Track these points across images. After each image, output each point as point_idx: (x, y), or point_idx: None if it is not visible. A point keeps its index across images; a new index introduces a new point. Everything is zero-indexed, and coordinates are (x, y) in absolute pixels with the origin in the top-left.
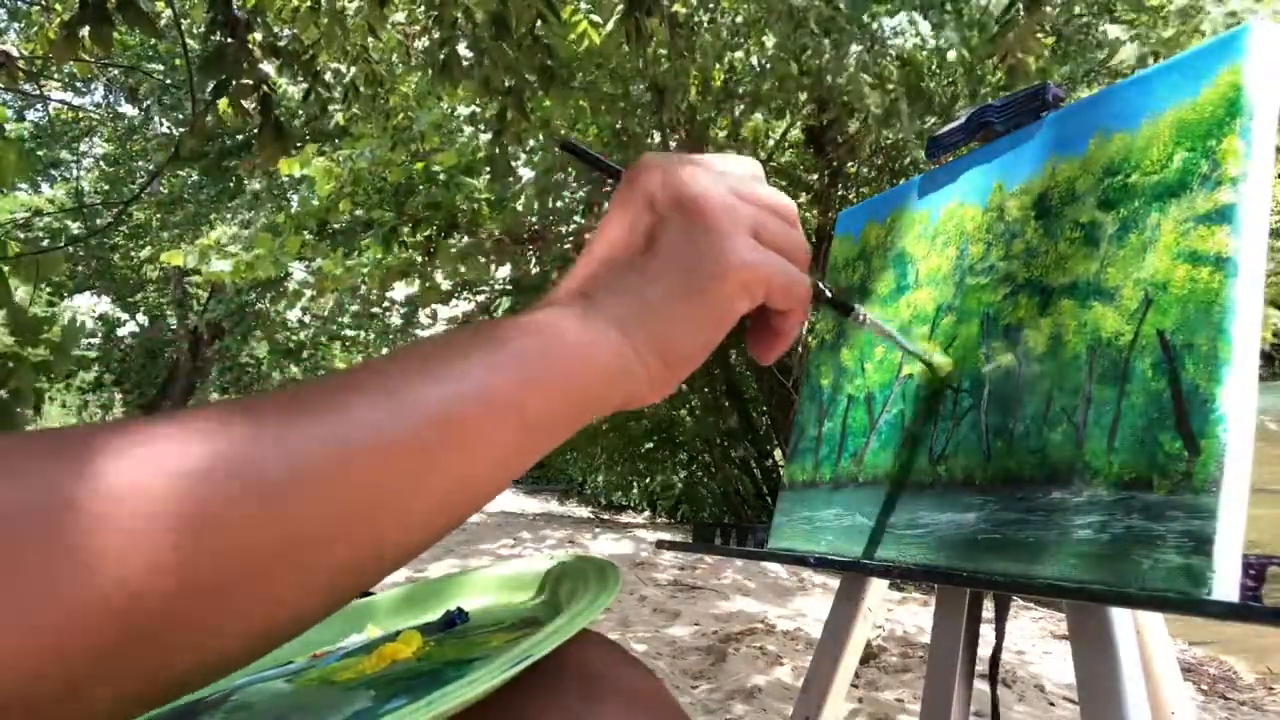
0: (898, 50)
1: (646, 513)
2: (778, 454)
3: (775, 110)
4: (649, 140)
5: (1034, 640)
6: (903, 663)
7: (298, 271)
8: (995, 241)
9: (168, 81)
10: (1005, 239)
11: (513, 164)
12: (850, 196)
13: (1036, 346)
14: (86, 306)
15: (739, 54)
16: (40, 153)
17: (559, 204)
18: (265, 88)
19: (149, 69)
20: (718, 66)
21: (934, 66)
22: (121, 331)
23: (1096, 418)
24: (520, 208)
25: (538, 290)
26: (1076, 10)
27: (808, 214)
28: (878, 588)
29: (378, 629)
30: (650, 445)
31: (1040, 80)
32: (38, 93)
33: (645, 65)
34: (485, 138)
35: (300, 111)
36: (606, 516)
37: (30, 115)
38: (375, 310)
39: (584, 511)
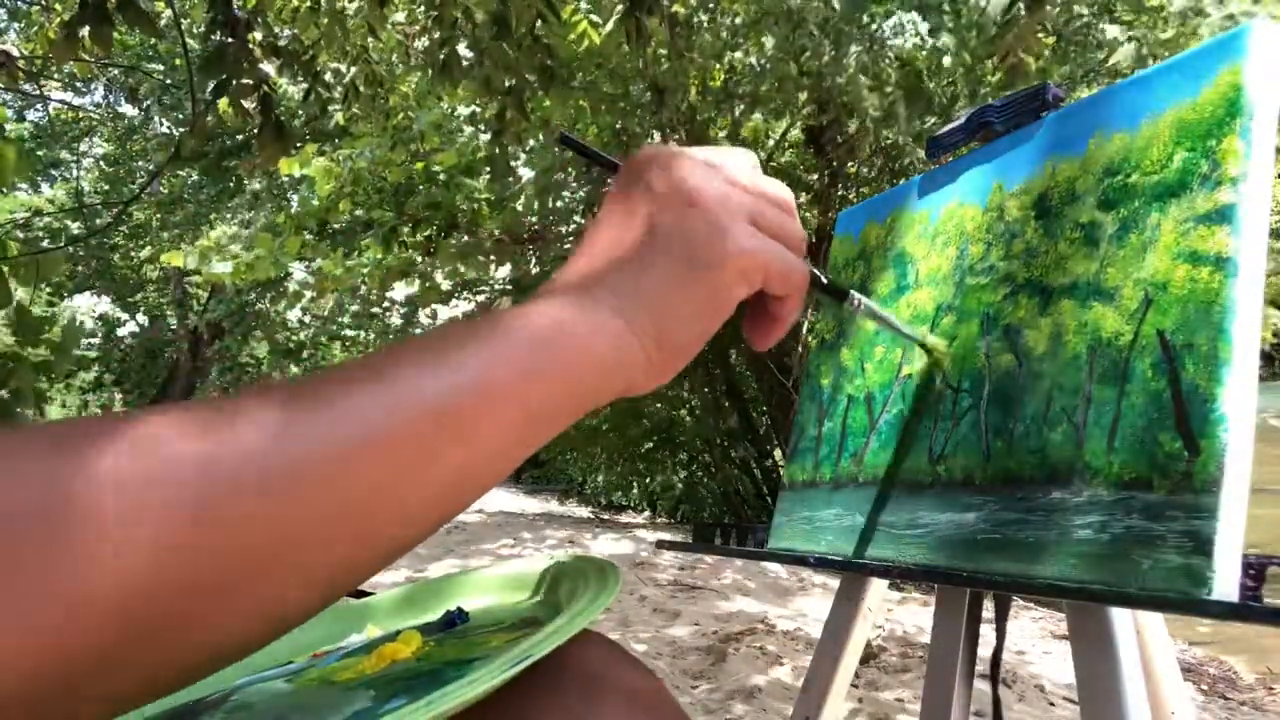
0: (897, 51)
1: (646, 513)
2: (778, 454)
3: (774, 111)
4: (649, 140)
5: (1034, 640)
6: (903, 663)
7: (298, 271)
8: (995, 241)
9: (168, 81)
10: (1005, 239)
11: (513, 164)
12: (850, 196)
13: (1036, 346)
14: (86, 306)
15: (738, 54)
16: (40, 153)
17: (559, 204)
18: (265, 88)
19: (149, 69)
20: (717, 67)
21: (932, 67)
22: (121, 331)
23: (1096, 418)
24: (520, 208)
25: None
26: (1076, 10)
27: (808, 214)
28: (878, 588)
29: (378, 629)
30: (650, 445)
31: (1040, 80)
32: (38, 93)
33: (645, 65)
34: (485, 138)
35: (300, 111)
36: (606, 516)
37: (30, 115)
38: (375, 310)
39: (584, 511)
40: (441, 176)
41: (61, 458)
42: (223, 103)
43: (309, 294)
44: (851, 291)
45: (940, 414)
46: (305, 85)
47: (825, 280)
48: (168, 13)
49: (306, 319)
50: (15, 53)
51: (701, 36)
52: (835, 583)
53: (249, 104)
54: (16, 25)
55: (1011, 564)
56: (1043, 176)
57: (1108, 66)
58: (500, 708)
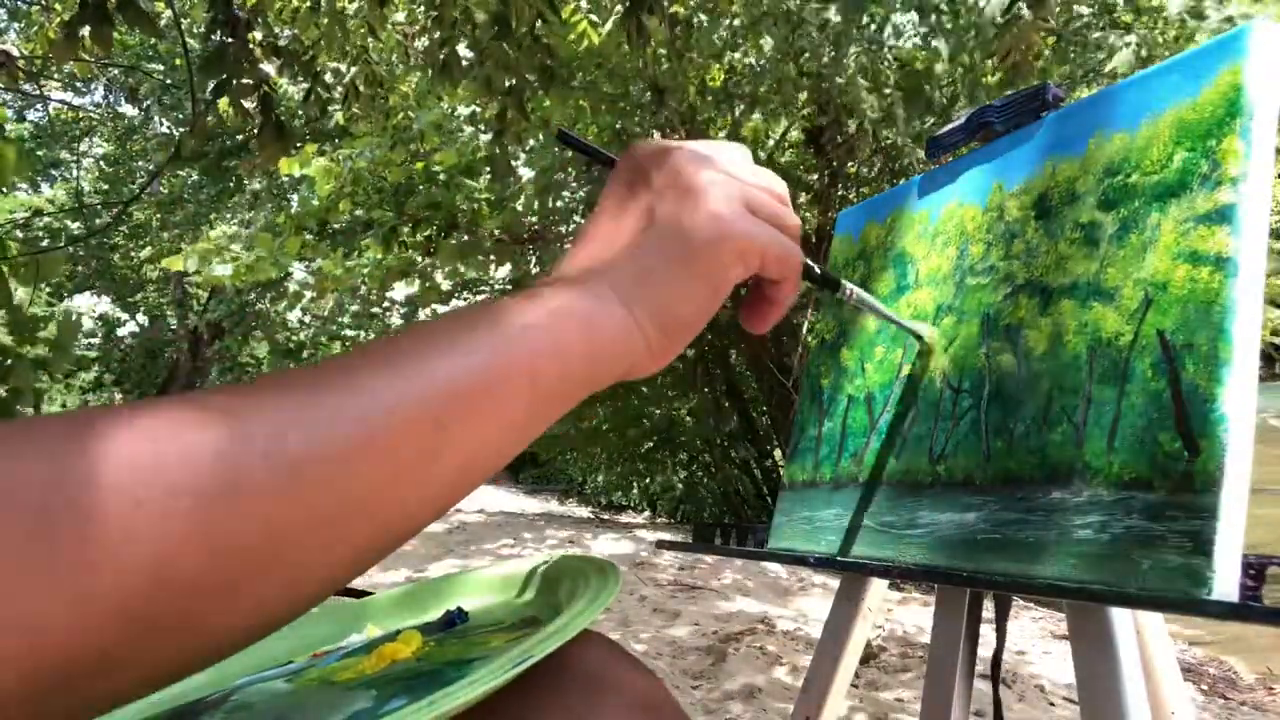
0: (896, 52)
1: (646, 513)
2: (778, 454)
3: (774, 112)
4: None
5: (1034, 640)
6: (903, 663)
7: (298, 272)
8: (995, 241)
9: (168, 81)
10: (1005, 239)
11: (513, 164)
12: (850, 196)
13: (1036, 347)
14: (86, 306)
15: (737, 54)
16: (40, 153)
17: (559, 204)
18: (265, 88)
19: (149, 69)
20: (717, 67)
21: (929, 69)
22: (121, 331)
23: (1096, 418)
24: (520, 207)
25: None
26: (1077, 10)
27: (808, 214)
28: (878, 588)
29: (378, 629)
30: (650, 445)
31: (1040, 80)
32: (38, 93)
33: (645, 65)
34: (485, 138)
35: (300, 111)
36: (607, 516)
37: (30, 115)
38: (375, 310)
39: (584, 511)
40: (441, 176)
41: (89, 439)
42: (223, 103)
43: (309, 294)
44: (843, 281)
45: (940, 414)
46: (305, 85)
47: (818, 270)
48: (168, 13)
49: (306, 319)
50: (15, 53)
51: (701, 36)
52: (835, 583)
53: (249, 104)
54: (16, 25)
55: (1011, 564)
56: (1043, 176)
57: (1107, 71)
58: (501, 708)
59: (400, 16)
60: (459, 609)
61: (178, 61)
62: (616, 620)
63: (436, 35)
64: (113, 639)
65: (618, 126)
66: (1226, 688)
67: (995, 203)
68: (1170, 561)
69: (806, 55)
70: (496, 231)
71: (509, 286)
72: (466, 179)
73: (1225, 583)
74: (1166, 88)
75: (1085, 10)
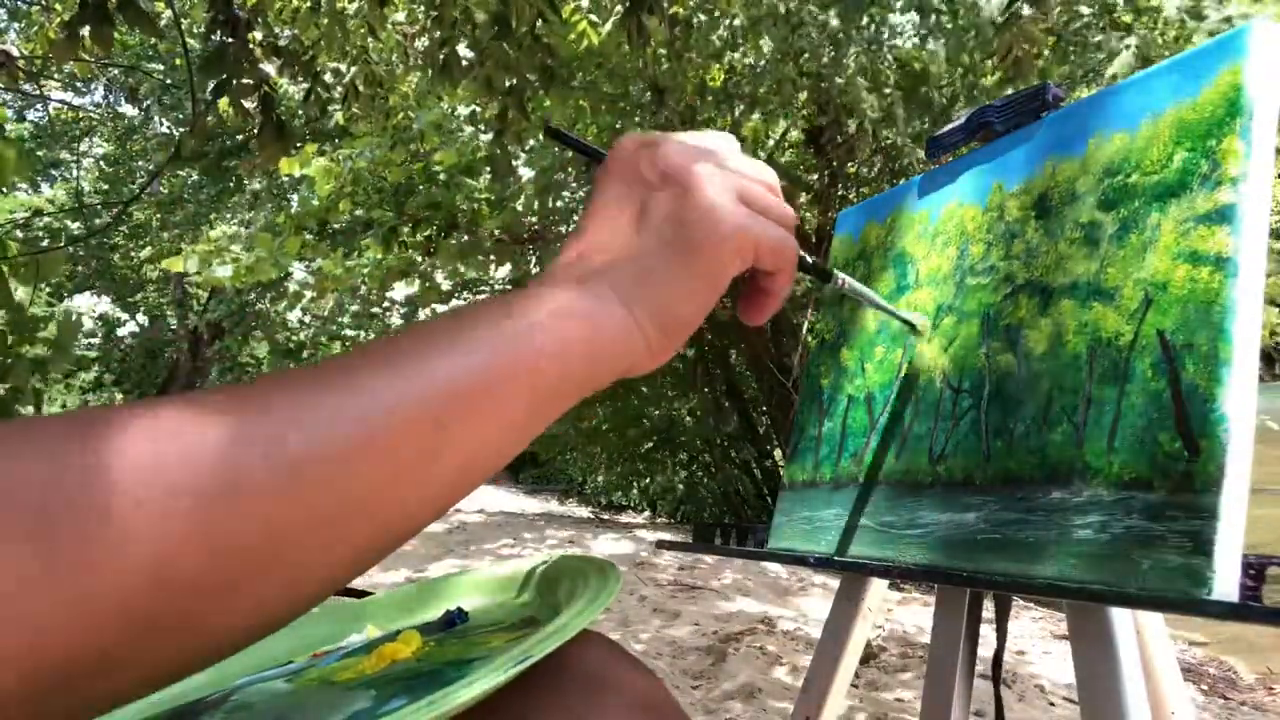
0: (895, 53)
1: (646, 513)
2: (778, 454)
3: (772, 112)
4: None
5: (1034, 640)
6: (903, 663)
7: (298, 272)
8: (995, 241)
9: (168, 81)
10: (1005, 239)
11: (513, 164)
12: (850, 196)
13: (1037, 347)
14: (86, 306)
15: (737, 55)
16: (40, 153)
17: (559, 204)
18: (265, 88)
19: (149, 69)
20: (717, 67)
21: (926, 70)
22: (121, 331)
23: (1096, 418)
24: (520, 207)
25: None
26: (1077, 9)
27: (808, 214)
28: (878, 588)
29: (378, 629)
30: (650, 445)
31: (1040, 79)
32: (38, 93)
33: (645, 65)
34: (485, 138)
35: (300, 111)
36: (607, 516)
37: (30, 115)
38: (375, 310)
39: (584, 511)
40: (441, 176)
41: (92, 438)
42: (223, 103)
43: (309, 294)
44: (836, 271)
45: (940, 414)
46: (305, 85)
47: (811, 261)
48: (168, 13)
49: (306, 319)
50: (15, 53)
51: (700, 37)
52: (835, 583)
53: (249, 104)
54: (16, 25)
55: (1011, 564)
56: (1043, 176)
57: (1107, 76)
58: (501, 708)
59: (400, 16)
60: (459, 609)
61: (178, 61)
62: (616, 620)
63: (436, 35)
64: (112, 639)
65: (618, 126)
66: (1226, 688)
67: (995, 203)
68: (1170, 561)
69: (806, 55)
70: (496, 231)
71: (509, 286)
72: (467, 179)
73: (1225, 583)
74: (1166, 88)
75: (1085, 10)
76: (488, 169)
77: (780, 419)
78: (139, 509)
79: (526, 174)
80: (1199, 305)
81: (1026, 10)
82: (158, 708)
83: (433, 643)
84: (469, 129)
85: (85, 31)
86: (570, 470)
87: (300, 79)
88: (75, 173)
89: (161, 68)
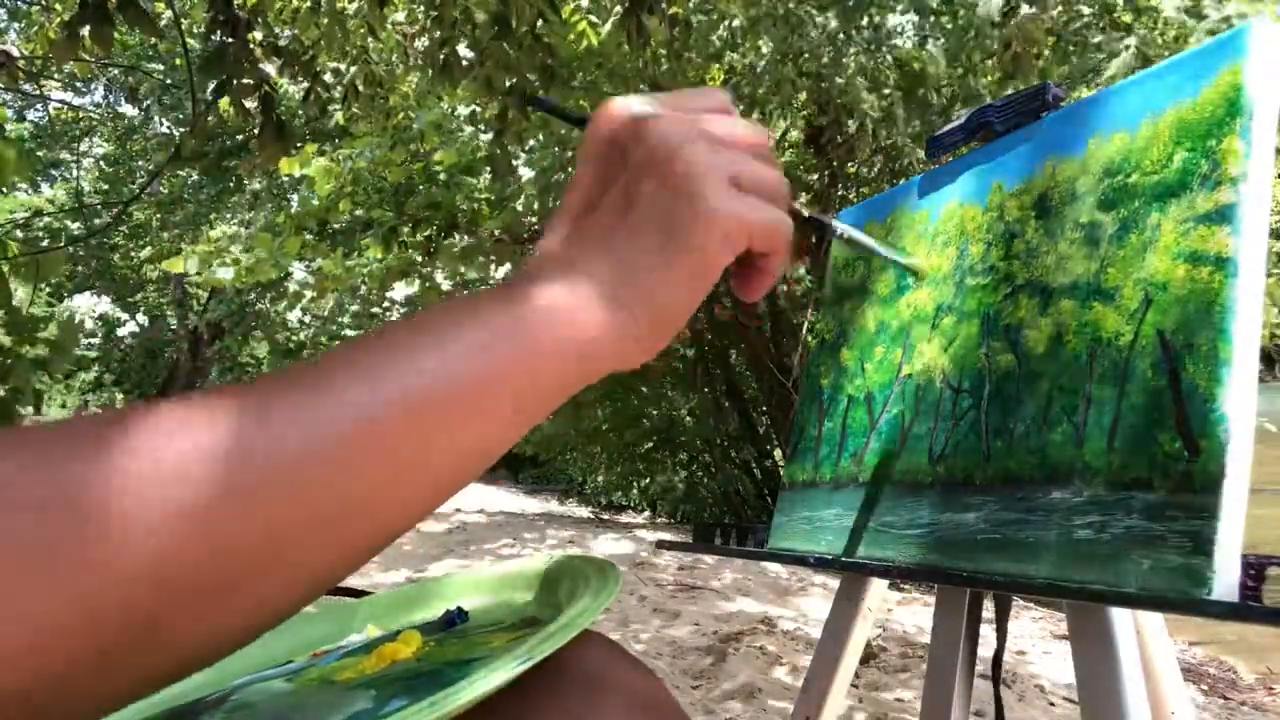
0: (895, 53)
1: (646, 513)
2: (778, 454)
3: (770, 113)
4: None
5: (1034, 640)
6: (903, 663)
7: (298, 272)
8: (995, 241)
9: (168, 81)
10: (1005, 239)
11: (513, 163)
12: (850, 196)
13: (1036, 347)
14: (86, 306)
15: (736, 55)
16: (40, 153)
17: (559, 203)
18: (265, 88)
19: (149, 69)
20: (716, 67)
21: (925, 70)
22: (121, 331)
23: (1096, 418)
24: (520, 208)
25: None
26: (1077, 9)
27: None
28: (878, 588)
29: (378, 629)
30: (650, 445)
31: (1040, 79)
32: (38, 93)
33: (645, 65)
34: (485, 138)
35: (300, 111)
36: (607, 516)
37: (30, 115)
38: (375, 310)
39: (584, 511)
40: (441, 176)
41: (63, 461)
42: (223, 103)
43: (309, 294)
44: (833, 221)
45: (940, 414)
46: (305, 85)
47: (806, 215)
48: (168, 13)
49: (306, 319)
50: (15, 53)
51: (700, 36)
52: (835, 583)
53: (249, 104)
54: (16, 25)
55: (1011, 564)
56: (1043, 176)
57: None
58: (501, 708)
59: (400, 16)
60: (459, 609)
61: (178, 61)
62: (616, 620)
63: (436, 35)
64: (112, 638)
65: None
66: (1226, 688)
67: (995, 203)
68: (1170, 561)
69: (806, 56)
70: (496, 231)
71: None
72: (467, 179)
73: (1225, 583)
74: (1166, 88)
75: (1085, 10)
76: (488, 169)
77: (780, 419)
78: (139, 510)
79: (526, 174)
80: (1199, 305)
81: (1026, 8)
82: (157, 708)
83: (433, 643)
84: (469, 129)
85: (85, 31)
86: (570, 470)
87: (300, 79)
88: (75, 173)
89: (161, 68)
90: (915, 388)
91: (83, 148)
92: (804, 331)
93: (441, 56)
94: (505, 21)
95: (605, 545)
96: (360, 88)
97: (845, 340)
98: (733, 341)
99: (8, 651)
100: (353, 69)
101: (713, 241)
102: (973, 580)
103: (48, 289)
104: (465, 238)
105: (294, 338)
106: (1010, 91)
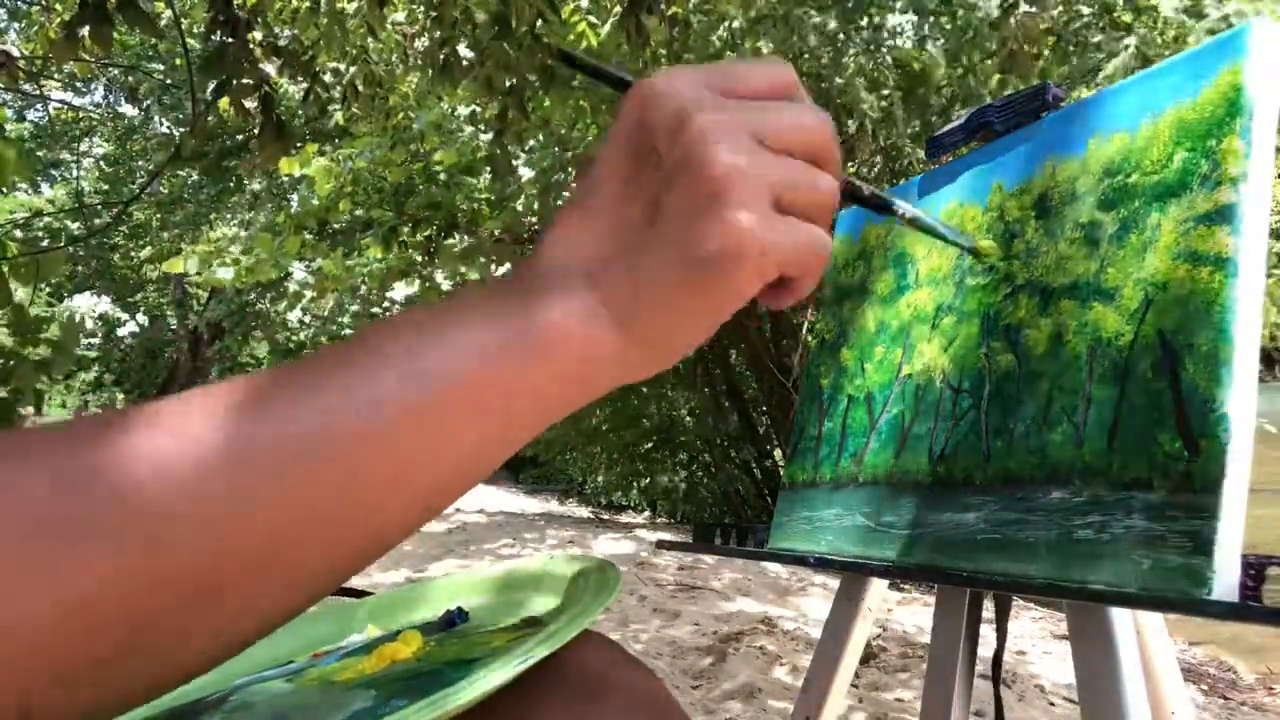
0: (895, 53)
1: (646, 513)
2: (778, 454)
3: None
4: None
5: (1034, 640)
6: (903, 663)
7: (298, 272)
8: (995, 241)
9: (168, 81)
10: (1005, 239)
11: (513, 163)
12: None
13: (1036, 346)
14: (86, 306)
15: (735, 55)
16: (40, 153)
17: (559, 204)
18: (265, 88)
19: (149, 69)
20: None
21: (925, 70)
22: (121, 331)
23: (1096, 418)
24: (520, 208)
25: None
26: (1077, 9)
27: None
28: (878, 588)
29: (378, 629)
30: (650, 445)
31: (1040, 79)
32: (38, 93)
33: (645, 65)
34: (485, 138)
35: (300, 111)
36: (607, 516)
37: (30, 115)
38: (375, 310)
39: (584, 511)
40: (441, 176)
41: (60, 464)
42: (223, 103)
43: (309, 294)
44: (896, 201)
45: (940, 414)
46: (305, 85)
47: (867, 192)
48: (168, 13)
49: (306, 319)
50: (15, 53)
51: (699, 36)
52: (835, 583)
53: (249, 104)
54: (16, 25)
55: (1011, 564)
56: (1043, 176)
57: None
58: (501, 708)
59: (400, 16)
60: (459, 609)
61: (178, 61)
62: (616, 620)
63: (436, 35)
64: (111, 642)
65: None
66: (1226, 688)
67: (995, 203)
68: (1170, 561)
69: (805, 56)
70: (496, 231)
71: None
72: (467, 179)
73: (1225, 583)
74: (1166, 88)
75: (1085, 10)
76: (488, 169)
77: (780, 419)
78: (137, 512)
79: (526, 174)
80: (1199, 305)
81: (1025, 7)
82: (158, 708)
83: (433, 643)
84: (469, 129)
85: (85, 31)
86: (570, 470)
87: (300, 79)
88: (75, 173)
89: (161, 68)
90: (915, 388)
91: (83, 148)
92: (804, 331)
93: (441, 56)
94: (505, 21)
95: (605, 545)
96: (360, 88)
97: (845, 340)
98: (733, 341)
99: (5, 653)
100: (352, 69)
101: (740, 275)
102: (973, 580)
103: (48, 289)
104: (465, 238)
105: (294, 338)
106: (1009, 91)
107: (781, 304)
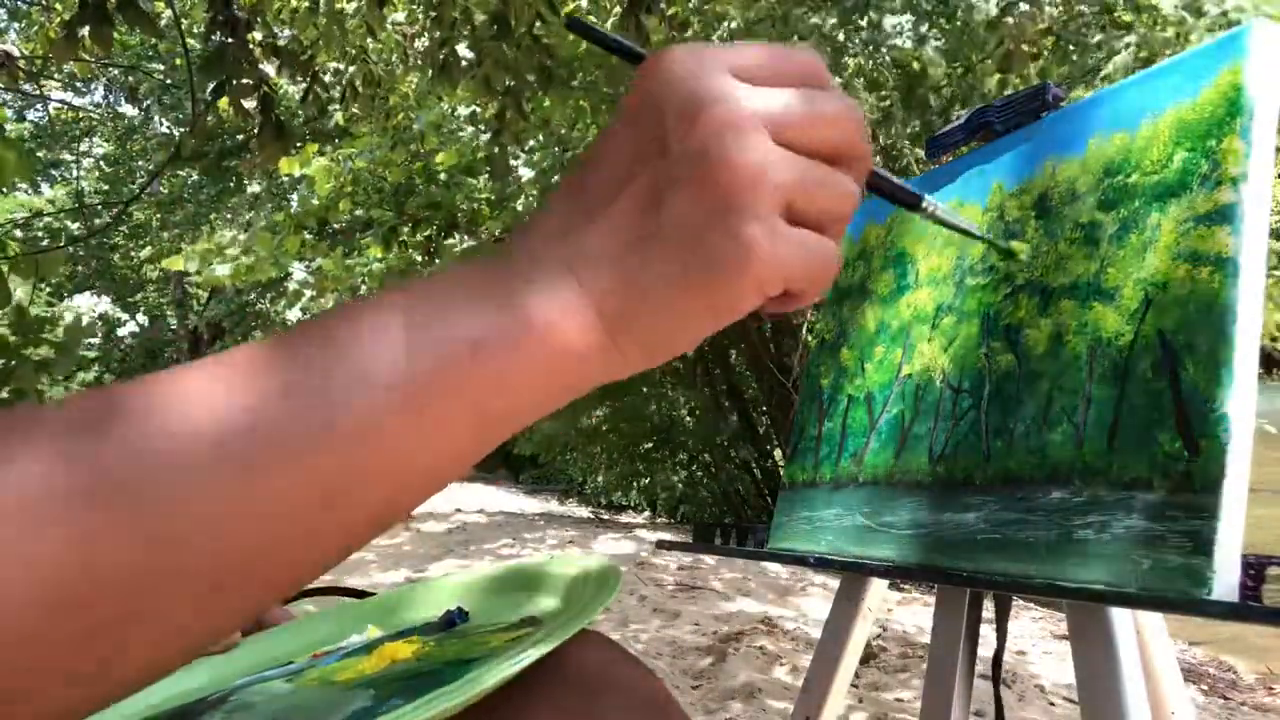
0: (893, 54)
1: (647, 513)
2: (778, 454)
3: None
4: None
5: (1034, 640)
6: (903, 663)
7: (298, 271)
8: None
9: (168, 81)
10: (1005, 239)
11: (512, 163)
12: None
13: (1036, 346)
14: (86, 306)
15: None
16: (40, 153)
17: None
18: (265, 88)
19: (149, 69)
20: None
21: (924, 70)
22: (121, 331)
23: (1096, 418)
24: (520, 208)
25: None
26: (1077, 9)
27: None
28: (878, 588)
29: (378, 629)
30: (650, 445)
31: (1040, 79)
32: (38, 93)
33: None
34: (485, 138)
35: (300, 111)
36: (607, 516)
37: (30, 115)
38: None
39: (584, 511)
40: (441, 176)
41: (104, 420)
42: (223, 103)
43: (309, 294)
44: (925, 196)
45: (940, 414)
46: (304, 85)
47: (896, 183)
48: (168, 13)
49: (306, 319)
50: (15, 53)
51: (698, 37)
52: (835, 583)
53: (249, 104)
54: (16, 25)
55: (1011, 564)
56: (1043, 176)
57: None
58: (500, 708)
59: (399, 16)
60: (459, 609)
61: (178, 61)
62: (616, 620)
63: (436, 35)
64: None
65: None
66: (1226, 688)
67: (995, 203)
68: (1170, 561)
69: None
70: (496, 232)
71: None
72: (467, 179)
73: (1225, 583)
74: (1166, 88)
75: (1086, 10)
76: (488, 169)
77: (780, 419)
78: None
79: (526, 174)
80: (1199, 305)
81: (1024, 6)
82: (158, 708)
83: (433, 643)
84: (469, 129)
85: (85, 31)
86: (570, 470)
87: (299, 79)
88: (75, 173)
89: (161, 68)
90: (915, 388)
91: (83, 148)
92: (804, 331)
93: (441, 57)
94: (504, 22)
95: (605, 545)
96: (360, 88)
97: (845, 340)
98: (733, 341)
99: (46, 591)
100: (352, 69)
101: (742, 286)
102: (973, 580)
103: (48, 289)
104: (465, 238)
105: None
106: (1008, 91)
107: (784, 311)
